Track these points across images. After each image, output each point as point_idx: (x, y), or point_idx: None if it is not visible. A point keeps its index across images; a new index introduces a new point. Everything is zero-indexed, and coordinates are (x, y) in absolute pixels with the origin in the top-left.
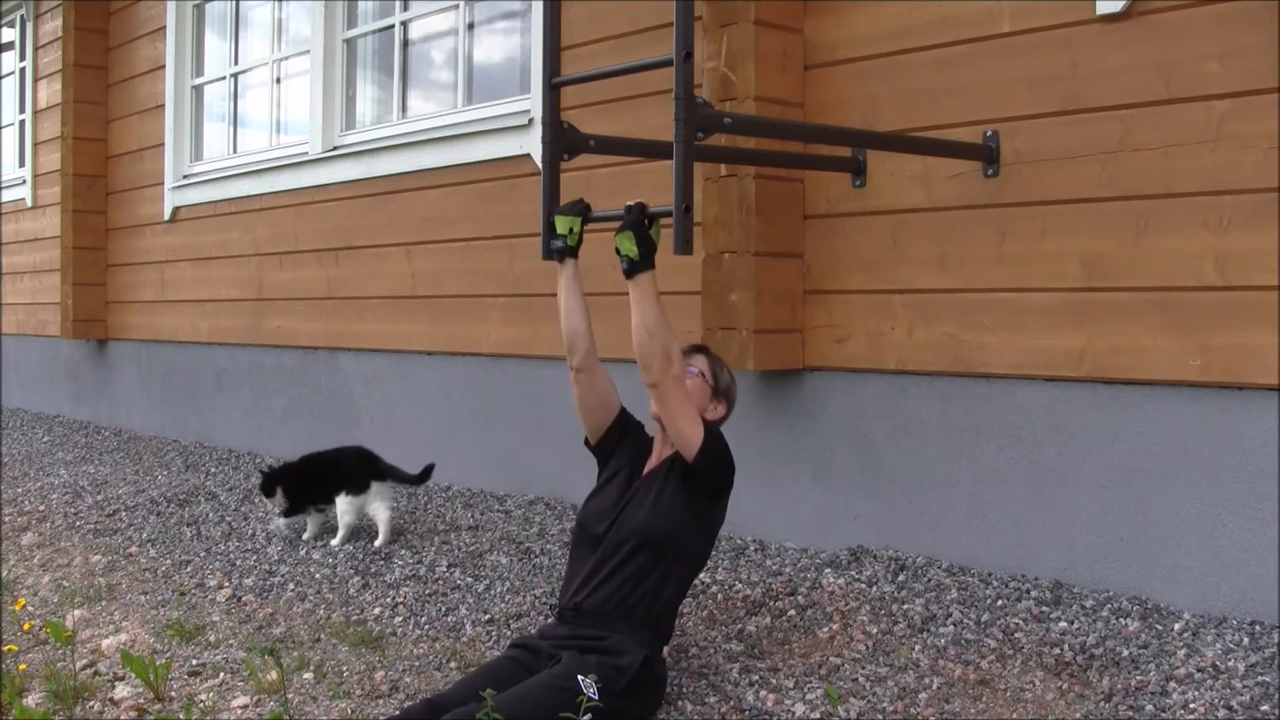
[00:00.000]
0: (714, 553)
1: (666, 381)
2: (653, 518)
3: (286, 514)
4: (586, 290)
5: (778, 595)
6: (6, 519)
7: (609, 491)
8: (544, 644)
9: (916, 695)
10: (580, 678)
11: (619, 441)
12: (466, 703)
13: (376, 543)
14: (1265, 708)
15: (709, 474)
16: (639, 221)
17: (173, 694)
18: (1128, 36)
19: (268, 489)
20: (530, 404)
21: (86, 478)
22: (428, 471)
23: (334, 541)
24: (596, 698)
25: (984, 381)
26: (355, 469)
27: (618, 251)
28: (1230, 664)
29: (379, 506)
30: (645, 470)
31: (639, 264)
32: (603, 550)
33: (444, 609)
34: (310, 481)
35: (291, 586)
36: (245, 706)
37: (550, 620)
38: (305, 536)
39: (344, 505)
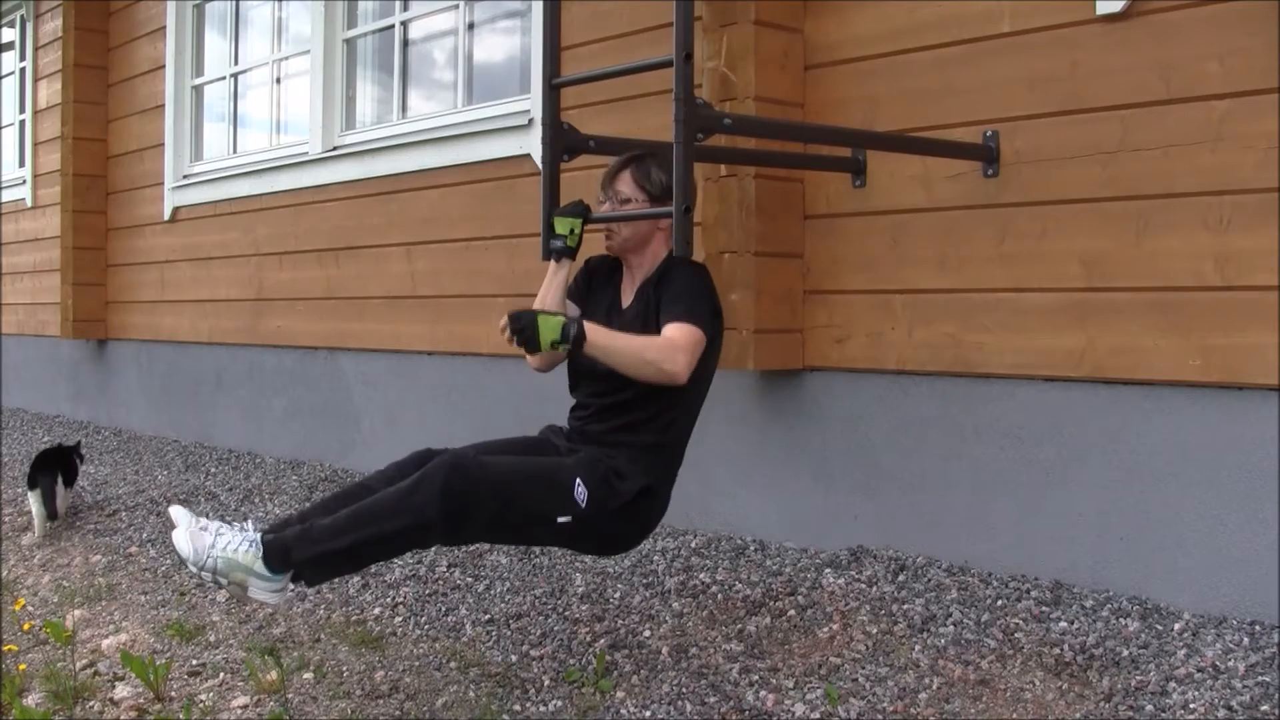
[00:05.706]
0: (714, 553)
1: (680, 376)
2: None
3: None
4: None
5: (778, 595)
6: (6, 519)
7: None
8: (563, 444)
9: (916, 695)
10: (578, 480)
11: (588, 295)
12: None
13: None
14: (1265, 708)
15: None
16: None
17: (173, 694)
18: (1128, 36)
19: None
20: (531, 404)
21: (86, 478)
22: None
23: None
24: (584, 505)
25: (984, 381)
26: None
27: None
28: (1230, 664)
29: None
30: (623, 305)
31: None
32: (598, 383)
33: (444, 609)
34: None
35: (291, 586)
36: (245, 706)
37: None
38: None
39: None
